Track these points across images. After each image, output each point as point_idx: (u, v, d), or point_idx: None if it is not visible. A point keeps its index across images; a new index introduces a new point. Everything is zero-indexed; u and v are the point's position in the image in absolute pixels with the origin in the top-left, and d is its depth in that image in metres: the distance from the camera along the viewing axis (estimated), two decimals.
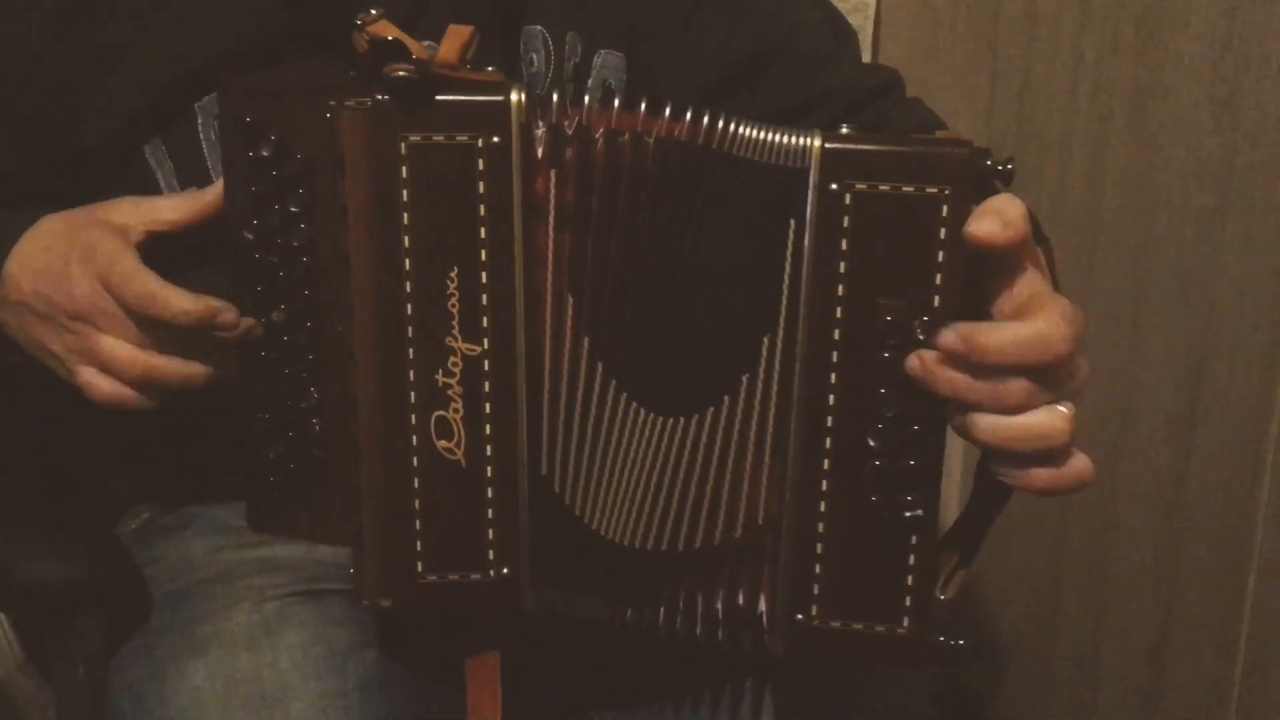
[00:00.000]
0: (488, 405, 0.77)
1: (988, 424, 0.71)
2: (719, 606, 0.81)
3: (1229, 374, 1.29)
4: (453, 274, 0.75)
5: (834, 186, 0.72)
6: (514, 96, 0.73)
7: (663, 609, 0.81)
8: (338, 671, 0.86)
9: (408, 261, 0.75)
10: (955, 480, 1.39)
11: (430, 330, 0.76)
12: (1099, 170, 1.38)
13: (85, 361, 0.79)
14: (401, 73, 0.72)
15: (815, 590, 0.78)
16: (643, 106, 0.75)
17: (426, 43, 0.79)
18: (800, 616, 0.78)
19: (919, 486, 0.75)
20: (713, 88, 0.95)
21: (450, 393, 0.76)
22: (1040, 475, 0.72)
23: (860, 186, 0.71)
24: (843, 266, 0.72)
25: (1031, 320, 0.70)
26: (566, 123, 0.75)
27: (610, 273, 0.76)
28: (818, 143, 0.72)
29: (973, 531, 0.78)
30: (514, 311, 0.76)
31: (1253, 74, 1.21)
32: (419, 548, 0.79)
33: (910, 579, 0.76)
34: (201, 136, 0.88)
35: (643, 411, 0.78)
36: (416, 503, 0.78)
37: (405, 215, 0.74)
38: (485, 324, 0.76)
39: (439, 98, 0.73)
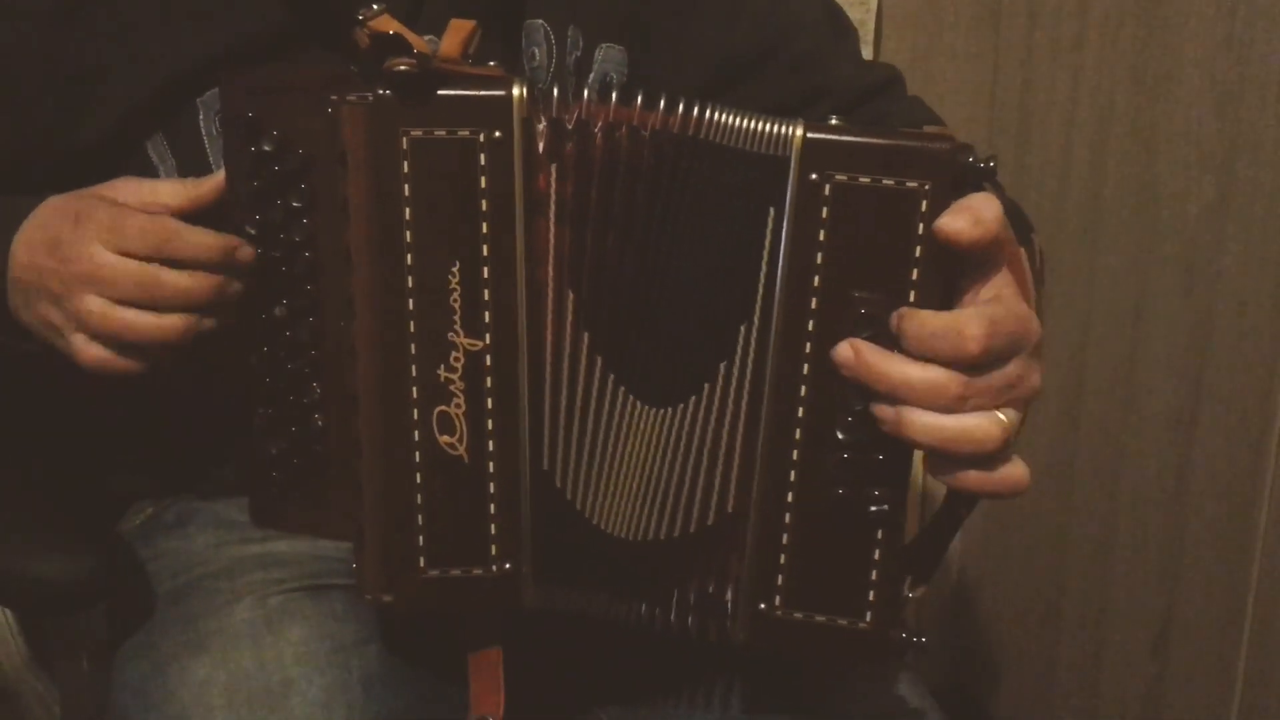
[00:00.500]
0: (490, 400, 0.77)
1: (920, 422, 0.70)
2: (692, 594, 0.81)
3: (1231, 367, 1.29)
4: (454, 269, 0.75)
5: (814, 176, 0.72)
6: (516, 91, 0.73)
7: (645, 600, 0.81)
8: (340, 666, 0.86)
9: (409, 256, 0.75)
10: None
11: (432, 325, 0.75)
12: (1100, 163, 1.38)
13: (75, 327, 0.78)
14: (403, 67, 0.72)
15: (779, 580, 0.78)
16: (639, 100, 0.75)
17: (428, 37, 0.79)
18: (763, 606, 0.78)
19: (887, 481, 0.75)
20: (712, 82, 0.95)
21: (452, 388, 0.76)
22: (969, 477, 0.72)
23: (840, 177, 0.71)
24: (819, 257, 0.72)
25: (952, 314, 0.70)
26: (567, 117, 0.75)
27: (608, 266, 0.76)
28: (799, 132, 0.72)
29: (941, 533, 0.78)
30: (516, 306, 0.76)
31: (1254, 67, 1.21)
32: (421, 543, 0.79)
33: (874, 574, 0.76)
34: (203, 132, 0.88)
35: (639, 404, 0.78)
36: (418, 498, 0.78)
37: (407, 210, 0.74)
38: (487, 319, 0.76)
39: (440, 92, 0.73)
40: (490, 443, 0.77)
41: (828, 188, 0.71)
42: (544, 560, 0.80)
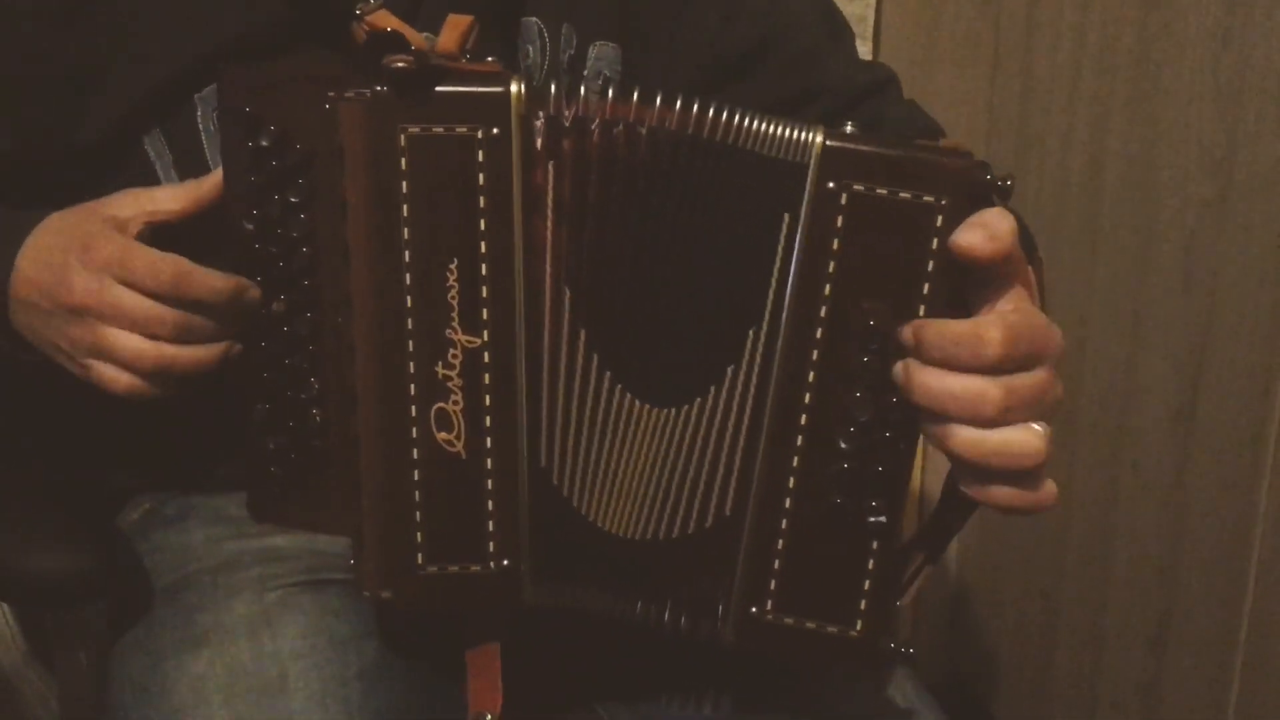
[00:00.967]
0: (487, 397, 0.77)
1: (965, 437, 0.70)
2: (685, 594, 0.81)
3: (1230, 364, 1.29)
4: (452, 266, 0.75)
5: (831, 185, 0.71)
6: (514, 88, 0.73)
7: (641, 598, 0.82)
8: (338, 661, 0.86)
9: (407, 253, 0.75)
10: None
11: (430, 322, 0.75)
12: (1100, 160, 1.38)
13: (96, 357, 0.79)
14: (400, 64, 0.72)
15: (772, 585, 0.78)
16: (635, 96, 0.74)
17: (425, 34, 0.79)
18: (754, 609, 0.78)
19: (885, 492, 0.75)
20: (705, 80, 0.95)
21: (450, 385, 0.76)
22: (1004, 493, 0.71)
23: (857, 187, 0.71)
24: (831, 266, 0.72)
25: (972, 321, 0.70)
26: (565, 114, 0.75)
27: (605, 264, 0.76)
28: (819, 139, 0.72)
29: (933, 541, 0.78)
30: (514, 304, 0.76)
31: (1254, 63, 1.21)
32: (419, 539, 0.79)
33: (867, 583, 0.76)
34: (201, 128, 0.88)
35: (637, 403, 0.78)
36: (417, 494, 0.78)
37: (405, 207, 0.74)
38: (485, 316, 0.76)
39: (438, 89, 0.73)
40: (488, 440, 0.77)
41: (844, 197, 0.71)
42: (542, 557, 0.80)
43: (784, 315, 0.74)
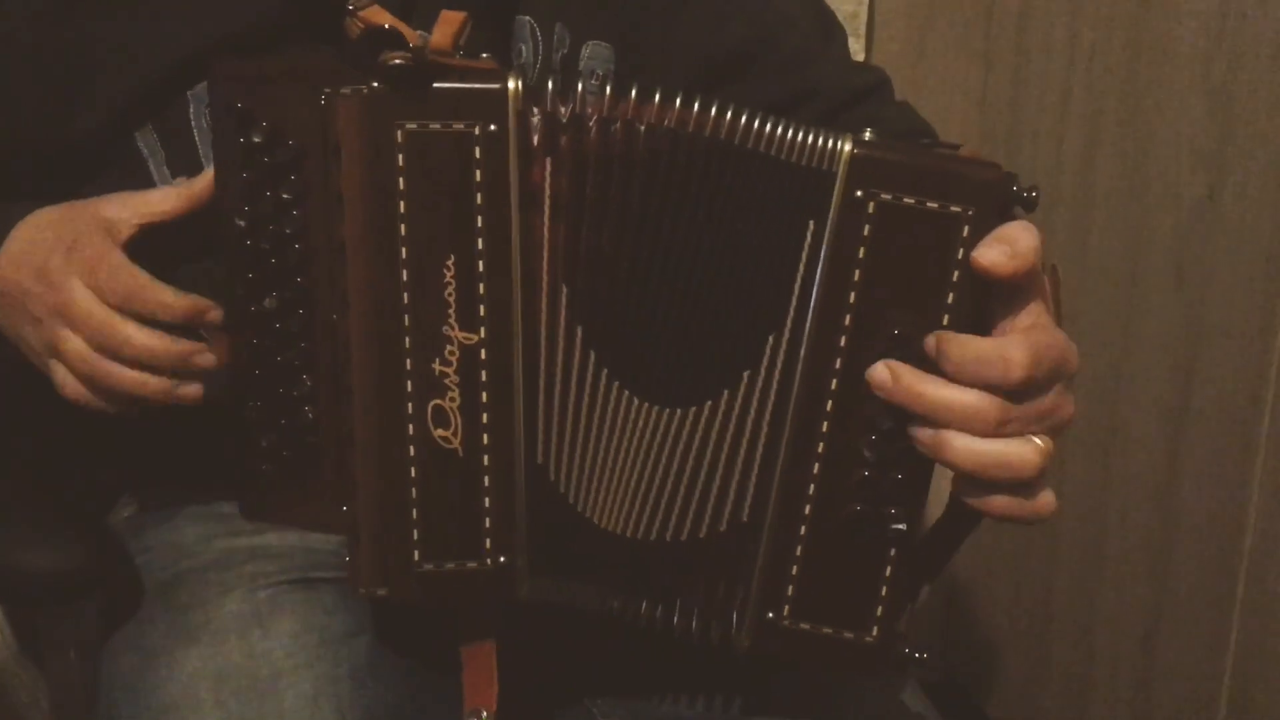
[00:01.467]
0: (484, 394, 0.77)
1: (960, 445, 0.70)
2: (697, 598, 0.81)
3: (1221, 361, 1.29)
4: (449, 262, 0.75)
5: (859, 194, 0.71)
6: (511, 84, 0.73)
7: (645, 599, 0.81)
8: (330, 660, 0.86)
9: (404, 250, 0.74)
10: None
11: (427, 319, 0.75)
12: (1092, 159, 1.38)
13: (54, 356, 0.79)
14: (398, 60, 0.72)
15: (789, 591, 0.78)
16: (632, 94, 0.74)
17: (419, 31, 0.79)
18: (770, 615, 0.78)
19: (904, 500, 0.75)
20: (699, 81, 0.95)
21: (447, 381, 0.76)
22: (1001, 502, 0.72)
23: (885, 197, 0.71)
24: (857, 274, 0.72)
25: (996, 340, 0.70)
26: (562, 111, 0.74)
27: (603, 261, 0.76)
28: (848, 147, 0.72)
29: (940, 547, 0.78)
30: (511, 300, 0.75)
31: (1246, 61, 1.21)
32: (415, 536, 0.78)
33: (884, 590, 0.76)
34: (193, 124, 0.88)
35: (636, 401, 0.78)
36: (413, 491, 0.78)
37: (401, 204, 0.74)
38: (482, 313, 0.75)
39: (436, 85, 0.73)
40: (485, 436, 0.77)
41: (872, 206, 0.71)
42: (538, 554, 0.80)
43: (808, 322, 0.74)
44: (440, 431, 0.77)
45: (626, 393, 0.78)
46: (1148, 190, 1.33)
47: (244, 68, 0.79)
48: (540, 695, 0.94)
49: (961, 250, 0.71)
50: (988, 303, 0.72)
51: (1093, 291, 1.39)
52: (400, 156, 0.73)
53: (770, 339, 0.76)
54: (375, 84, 0.73)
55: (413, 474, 0.77)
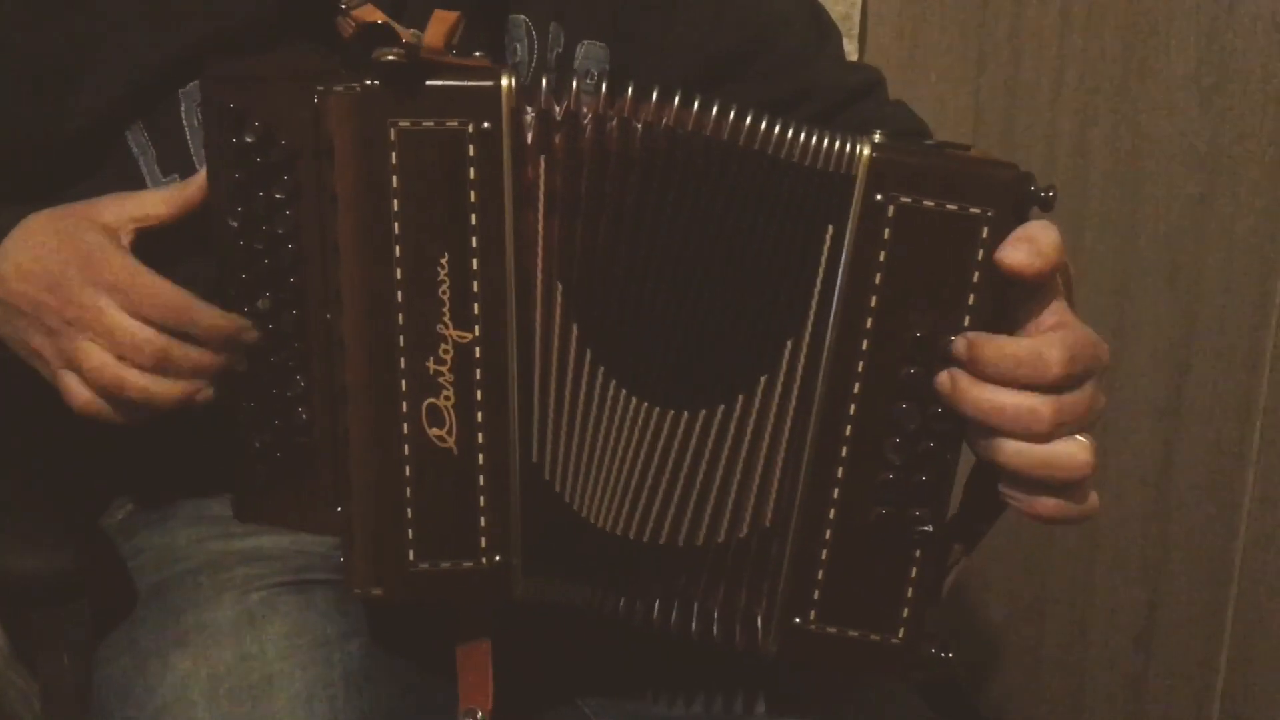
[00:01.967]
0: (479, 393, 0.76)
1: (1014, 449, 0.70)
2: (717, 604, 0.81)
3: (1214, 360, 1.29)
4: (443, 260, 0.74)
5: (879, 197, 0.71)
6: (505, 82, 0.73)
7: (658, 603, 0.81)
8: (323, 662, 0.85)
9: (398, 248, 0.74)
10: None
11: (421, 317, 0.75)
12: (1085, 159, 1.38)
13: (68, 366, 0.78)
14: (391, 57, 0.71)
15: (815, 595, 0.78)
16: (628, 92, 0.74)
17: (411, 30, 0.79)
18: (798, 620, 0.78)
19: (930, 501, 0.75)
20: (694, 81, 0.94)
21: (441, 380, 0.76)
22: (1049, 504, 0.72)
23: (905, 200, 0.71)
24: (878, 278, 0.72)
25: (1031, 340, 0.70)
26: (556, 109, 0.74)
27: (598, 259, 0.76)
28: (866, 151, 0.72)
29: (961, 541, 0.78)
30: (505, 298, 0.75)
31: (1239, 60, 1.21)
32: (410, 536, 0.78)
33: (910, 591, 0.77)
34: (184, 123, 0.88)
35: (635, 400, 0.78)
36: (408, 491, 0.78)
37: (395, 202, 0.74)
38: (476, 311, 0.75)
39: (429, 83, 0.73)
40: (480, 435, 0.77)
41: (891, 209, 0.71)
42: (534, 553, 0.80)
43: (829, 326, 0.74)
44: (435, 431, 0.77)
45: (624, 391, 0.78)
46: (1141, 189, 1.33)
47: (236, 68, 0.79)
48: (532, 695, 0.94)
49: (981, 251, 0.71)
50: (1008, 303, 0.72)
51: (1086, 290, 1.39)
52: (393, 154, 0.73)
53: (789, 344, 0.75)
54: (368, 81, 0.72)
55: (407, 473, 0.77)
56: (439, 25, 0.75)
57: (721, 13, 0.97)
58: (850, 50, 1.57)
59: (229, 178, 0.78)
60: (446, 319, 0.75)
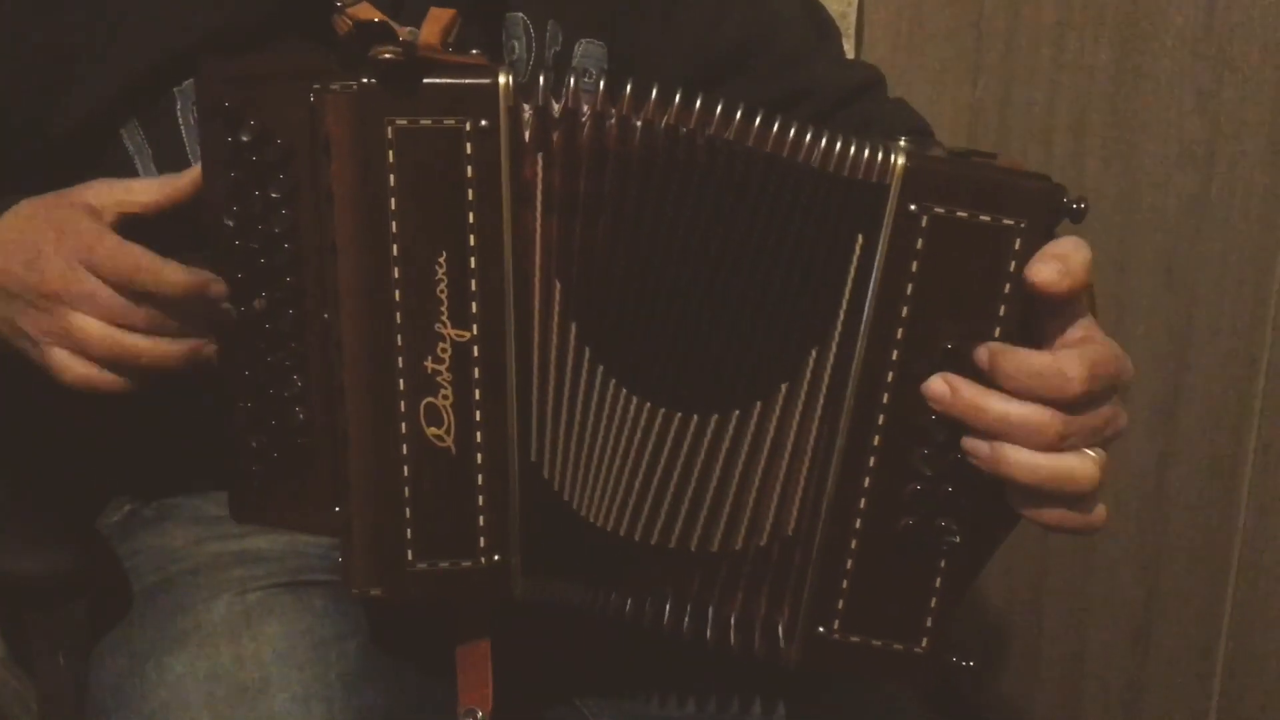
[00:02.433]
0: (477, 392, 0.76)
1: (1019, 460, 0.70)
2: (734, 612, 0.80)
3: (1211, 358, 1.29)
4: (441, 259, 0.74)
5: (913, 207, 0.71)
6: (502, 79, 0.73)
7: (669, 608, 0.81)
8: (320, 662, 0.85)
9: (395, 247, 0.74)
10: None
11: (419, 316, 0.75)
12: (1081, 155, 1.38)
13: (57, 343, 0.78)
14: (388, 55, 0.71)
15: (840, 605, 0.77)
16: (628, 90, 0.74)
17: (408, 28, 0.79)
18: (821, 629, 0.78)
19: (957, 512, 0.75)
20: (693, 80, 0.94)
21: (439, 379, 0.76)
22: (1056, 515, 0.72)
23: (938, 210, 0.71)
24: (909, 288, 0.72)
25: (1053, 354, 0.70)
26: (554, 106, 0.74)
27: (597, 258, 0.76)
28: (901, 160, 0.71)
29: (978, 550, 0.78)
30: (503, 297, 0.75)
31: (1235, 57, 1.21)
32: (409, 535, 0.78)
33: (935, 601, 0.77)
34: (180, 122, 0.87)
35: (635, 399, 0.78)
36: (406, 490, 0.77)
37: (392, 200, 0.73)
38: (474, 310, 0.75)
39: (426, 81, 0.72)
40: (478, 434, 0.77)
41: (925, 219, 0.71)
42: (533, 552, 0.80)
43: (859, 336, 0.73)
44: (433, 430, 0.76)
45: (624, 390, 0.77)
46: (1137, 188, 1.33)
47: (232, 66, 0.78)
48: (530, 695, 0.94)
49: (1014, 263, 0.70)
50: (1037, 316, 0.72)
51: None
52: (391, 153, 0.73)
53: (814, 352, 0.75)
54: (365, 80, 0.72)
55: (406, 473, 0.77)
56: (435, 23, 0.75)
57: (720, 12, 0.97)
58: (846, 50, 1.57)
59: (225, 176, 0.78)
60: (444, 318, 0.75)
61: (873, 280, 0.72)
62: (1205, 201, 1.27)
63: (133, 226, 0.79)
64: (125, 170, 0.87)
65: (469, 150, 0.73)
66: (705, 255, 0.75)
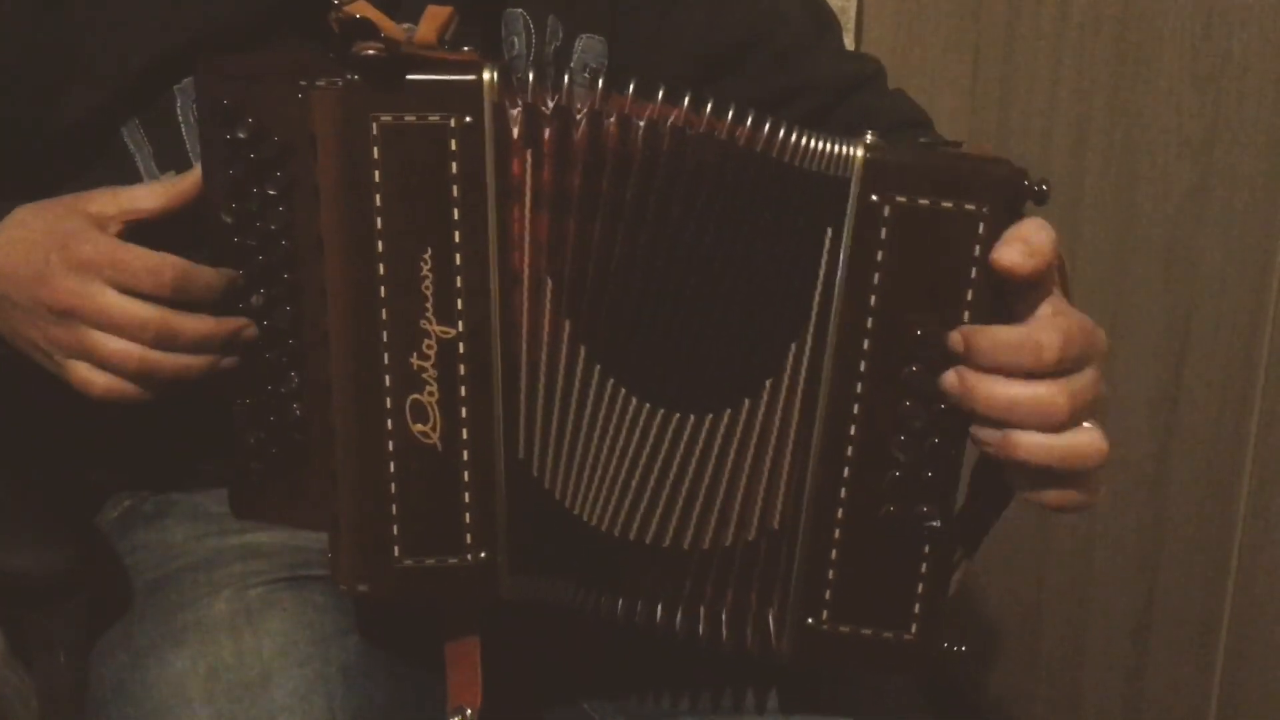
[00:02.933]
0: (463, 388, 0.76)
1: (1031, 442, 0.70)
2: (725, 607, 0.81)
3: (1211, 352, 1.29)
4: (426, 256, 0.74)
5: (874, 198, 0.71)
6: (486, 76, 0.73)
7: (660, 605, 0.81)
8: (320, 658, 0.85)
9: (380, 243, 0.74)
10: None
11: (404, 313, 0.75)
12: (1081, 149, 1.38)
13: (77, 357, 0.78)
14: (370, 51, 0.71)
15: (827, 595, 0.78)
16: (630, 89, 0.74)
17: (406, 25, 0.79)
18: (810, 620, 0.78)
19: (937, 497, 0.75)
20: (693, 75, 0.95)
21: (425, 376, 0.76)
22: (1061, 495, 0.72)
23: (900, 199, 0.71)
24: (876, 278, 0.72)
25: (1025, 326, 0.70)
26: (545, 103, 0.74)
27: (593, 256, 0.76)
28: (860, 153, 0.71)
29: (969, 535, 0.78)
30: (488, 294, 0.75)
31: (1234, 52, 1.21)
32: (395, 532, 0.78)
33: (921, 587, 0.77)
34: (180, 119, 0.87)
35: (634, 400, 0.78)
36: (392, 487, 0.77)
37: (377, 196, 0.73)
38: (459, 306, 0.75)
39: (410, 77, 0.72)
40: (464, 431, 0.77)
41: (887, 209, 0.71)
42: (521, 550, 0.80)
43: (830, 328, 0.74)
44: (419, 427, 0.76)
45: (623, 390, 0.77)
46: (1137, 180, 1.33)
47: (229, 64, 0.79)
48: (535, 696, 0.94)
49: (978, 247, 0.71)
50: (1007, 299, 0.72)
51: (1082, 282, 1.39)
52: (375, 149, 0.73)
53: (792, 347, 0.75)
54: (351, 76, 0.72)
55: (392, 469, 0.77)
56: (432, 21, 0.75)
57: (720, 6, 0.97)
58: (846, 43, 1.57)
59: (223, 173, 0.78)
60: (430, 314, 0.75)
61: (839, 272, 0.73)
62: (1205, 193, 1.26)
63: (136, 232, 0.79)
64: (125, 167, 0.88)
65: (454, 146, 0.73)
66: (699, 255, 0.75)
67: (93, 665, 0.90)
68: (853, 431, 0.75)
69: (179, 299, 0.77)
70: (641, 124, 0.74)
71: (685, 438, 0.78)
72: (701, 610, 0.81)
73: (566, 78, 0.74)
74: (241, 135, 0.76)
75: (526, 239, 0.75)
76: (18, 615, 1.00)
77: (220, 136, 0.77)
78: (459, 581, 0.79)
